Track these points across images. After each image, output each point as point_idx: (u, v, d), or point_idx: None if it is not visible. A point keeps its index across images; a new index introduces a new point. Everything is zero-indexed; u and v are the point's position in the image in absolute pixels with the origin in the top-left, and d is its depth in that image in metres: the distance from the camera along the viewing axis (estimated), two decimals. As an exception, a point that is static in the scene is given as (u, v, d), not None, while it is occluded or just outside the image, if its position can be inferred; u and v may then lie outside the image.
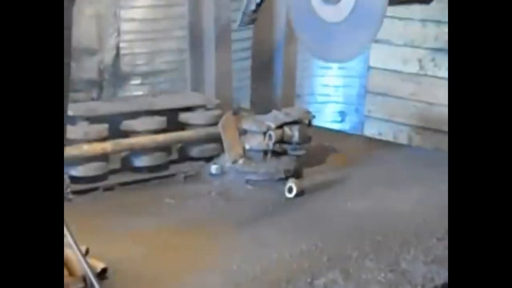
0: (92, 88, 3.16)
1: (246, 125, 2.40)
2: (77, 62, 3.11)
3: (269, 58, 2.80)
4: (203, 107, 2.50)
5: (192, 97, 2.60)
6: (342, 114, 4.05)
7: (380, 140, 3.27)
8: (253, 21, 2.56)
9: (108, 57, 3.15)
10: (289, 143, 2.40)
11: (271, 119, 2.40)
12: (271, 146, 2.35)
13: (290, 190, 2.25)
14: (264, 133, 2.36)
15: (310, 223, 2.11)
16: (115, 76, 3.21)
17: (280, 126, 2.37)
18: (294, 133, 2.38)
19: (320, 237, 1.97)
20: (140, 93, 3.21)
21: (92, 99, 3.07)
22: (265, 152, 2.38)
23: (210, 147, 2.49)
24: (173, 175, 2.42)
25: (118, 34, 3.17)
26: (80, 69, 3.12)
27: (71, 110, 2.24)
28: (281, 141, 2.38)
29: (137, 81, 3.24)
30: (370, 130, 3.71)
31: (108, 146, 2.29)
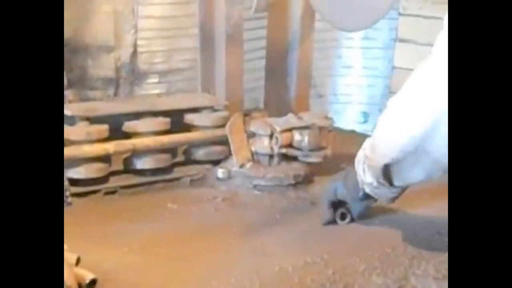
0: (108, 86, 3.12)
1: (253, 127, 2.30)
2: (93, 59, 3.07)
3: (283, 57, 2.70)
4: (210, 108, 2.41)
5: (198, 97, 2.50)
6: (365, 115, 3.94)
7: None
8: (268, 6, 2.46)
9: (125, 54, 3.11)
10: (299, 148, 2.29)
11: (281, 122, 2.30)
12: (276, 150, 2.25)
13: (343, 217, 2.02)
14: (270, 136, 2.26)
15: (318, 233, 2.00)
16: (132, 74, 3.16)
17: (289, 130, 2.27)
18: (303, 138, 2.26)
19: (327, 248, 1.86)
20: (157, 91, 3.16)
21: (109, 97, 3.02)
22: (271, 156, 2.28)
23: (218, 149, 2.40)
24: (178, 178, 2.33)
25: (136, 31, 3.12)
26: (97, 67, 3.08)
27: (70, 110, 2.18)
28: (289, 145, 2.28)
29: (154, 79, 3.19)
30: (394, 132, 3.59)
31: (110, 147, 2.20)
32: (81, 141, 2.15)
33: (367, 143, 1.86)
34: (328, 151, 2.32)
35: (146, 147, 2.25)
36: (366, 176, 1.84)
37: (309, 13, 2.66)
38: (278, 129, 2.26)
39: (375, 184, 1.84)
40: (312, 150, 2.28)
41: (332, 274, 1.72)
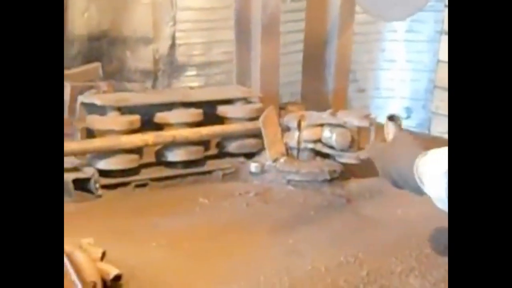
0: (146, 78, 3.11)
1: (285, 120, 2.24)
2: (132, 51, 3.06)
3: (321, 50, 2.62)
4: (243, 100, 2.34)
5: (231, 89, 2.44)
6: (408, 110, 3.85)
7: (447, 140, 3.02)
8: None
9: (163, 46, 3.09)
10: (331, 146, 2.21)
11: (313, 117, 2.22)
12: (302, 144, 2.19)
13: None
14: (299, 130, 2.19)
15: (354, 232, 1.92)
16: (170, 66, 3.14)
17: (319, 125, 2.19)
18: (332, 135, 2.18)
19: (362, 247, 1.78)
20: (195, 84, 3.13)
21: (146, 89, 3.01)
22: (298, 150, 2.21)
23: (252, 142, 2.34)
24: (210, 171, 2.27)
25: (174, 23, 3.10)
26: (135, 59, 3.07)
27: (101, 99, 2.15)
28: (318, 141, 2.20)
29: (192, 72, 3.16)
30: (438, 128, 3.50)
31: (149, 138, 2.16)
32: (111, 131, 2.11)
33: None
34: (363, 154, 2.23)
35: (185, 139, 2.20)
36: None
37: (348, 4, 2.58)
38: (304, 122, 2.19)
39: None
40: (343, 150, 2.20)
41: (367, 275, 1.64)
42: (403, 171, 1.59)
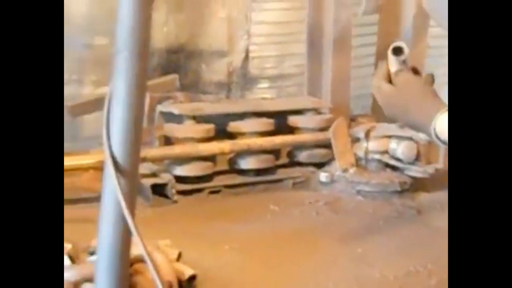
0: (220, 90, 3.19)
1: (354, 131, 2.27)
2: (207, 64, 3.15)
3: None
4: (314, 110, 2.40)
5: (302, 100, 2.50)
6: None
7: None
8: (377, 8, 2.42)
9: (237, 59, 3.16)
10: (399, 159, 2.22)
11: (382, 129, 2.25)
12: (369, 155, 2.22)
13: None
14: (367, 140, 2.22)
15: (424, 242, 1.93)
16: (243, 79, 3.20)
17: (386, 137, 2.22)
18: (398, 147, 2.20)
19: (432, 258, 1.79)
20: (267, 96, 3.19)
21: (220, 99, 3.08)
22: (365, 160, 2.24)
23: (322, 152, 2.38)
24: (281, 180, 2.33)
25: (248, 37, 3.16)
26: (210, 71, 3.15)
27: (178, 108, 2.25)
28: (384, 152, 2.23)
29: (265, 84, 3.22)
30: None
31: (225, 146, 2.24)
32: (190, 139, 2.20)
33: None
34: (430, 168, 2.23)
35: (259, 147, 2.27)
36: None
37: (422, 18, 2.59)
38: (372, 133, 2.22)
39: None
40: (410, 163, 2.21)
41: (436, 284, 1.66)
42: (415, 122, 1.56)
